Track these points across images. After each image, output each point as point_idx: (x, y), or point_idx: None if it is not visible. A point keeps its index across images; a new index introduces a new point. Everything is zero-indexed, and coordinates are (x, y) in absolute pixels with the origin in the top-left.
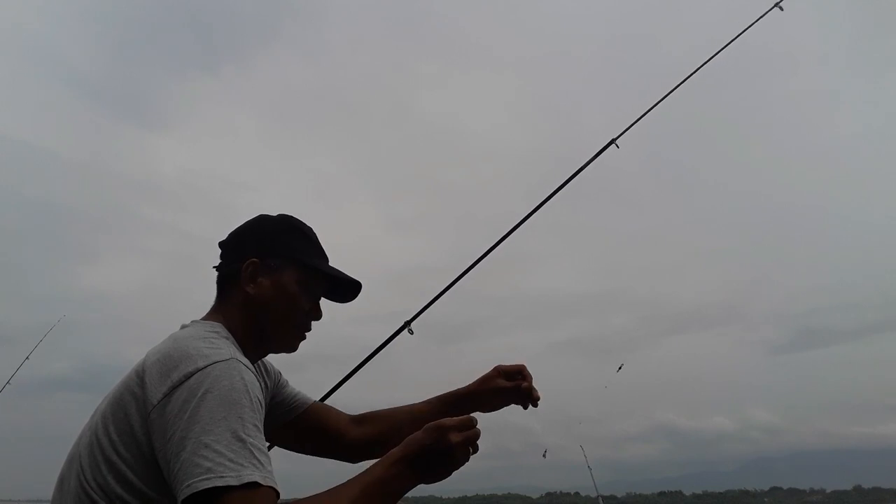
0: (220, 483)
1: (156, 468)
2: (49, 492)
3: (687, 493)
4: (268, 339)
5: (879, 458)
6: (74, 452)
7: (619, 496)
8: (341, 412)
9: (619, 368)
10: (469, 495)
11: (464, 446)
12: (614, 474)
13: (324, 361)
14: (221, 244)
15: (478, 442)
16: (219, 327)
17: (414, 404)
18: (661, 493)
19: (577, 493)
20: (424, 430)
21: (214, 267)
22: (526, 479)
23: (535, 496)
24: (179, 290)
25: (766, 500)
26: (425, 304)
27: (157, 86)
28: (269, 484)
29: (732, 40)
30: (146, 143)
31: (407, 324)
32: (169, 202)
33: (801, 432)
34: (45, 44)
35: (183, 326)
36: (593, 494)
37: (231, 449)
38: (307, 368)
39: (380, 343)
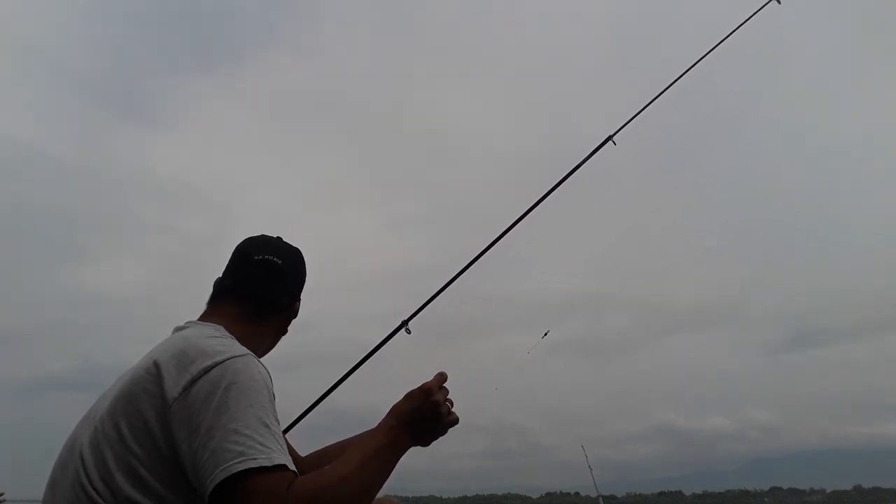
0: (253, 465)
1: (170, 464)
2: None
3: (687, 493)
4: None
5: (879, 458)
6: (69, 456)
7: (619, 496)
8: (296, 453)
9: (545, 335)
10: (469, 495)
11: (446, 404)
12: (614, 474)
13: (320, 362)
14: (270, 264)
15: (478, 447)
16: (221, 329)
17: (357, 435)
18: (661, 493)
19: (577, 493)
20: (408, 397)
21: (241, 279)
22: (526, 479)
23: (535, 496)
24: (177, 291)
25: (766, 500)
26: (422, 303)
27: (155, 86)
28: (293, 468)
29: (730, 34)
30: (144, 143)
31: (404, 323)
32: (166, 203)
33: (800, 432)
34: (40, 43)
35: (177, 328)
36: (593, 494)
37: (259, 433)
38: (304, 368)
39: (377, 343)
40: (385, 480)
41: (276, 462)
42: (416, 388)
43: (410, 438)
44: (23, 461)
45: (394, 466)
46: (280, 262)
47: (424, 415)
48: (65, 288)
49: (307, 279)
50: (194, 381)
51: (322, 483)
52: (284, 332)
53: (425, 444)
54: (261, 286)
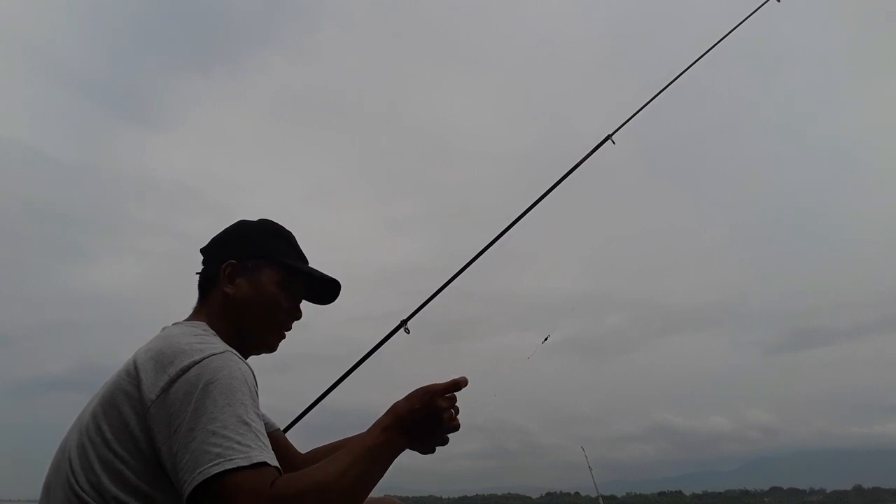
0: (229, 466)
1: (153, 464)
2: None
3: (687, 493)
4: (248, 339)
5: (879, 458)
6: (61, 458)
7: (619, 496)
8: (296, 450)
9: (545, 340)
10: (469, 495)
11: (449, 410)
12: (614, 474)
13: (319, 361)
14: (202, 250)
15: (478, 447)
16: (204, 326)
17: (355, 436)
18: (661, 493)
19: (577, 494)
20: (409, 397)
21: (197, 273)
22: (526, 479)
23: (535, 496)
24: (175, 291)
25: (766, 500)
26: (421, 303)
27: (155, 88)
28: (275, 464)
29: (729, 33)
30: (143, 144)
31: (403, 323)
32: (165, 203)
33: (800, 432)
34: (40, 44)
35: (164, 329)
36: (593, 494)
37: (238, 432)
38: (303, 368)
39: (375, 342)
40: (377, 481)
41: (254, 461)
42: (420, 387)
43: (406, 440)
44: (22, 461)
45: (387, 467)
46: (215, 238)
47: (423, 417)
48: (65, 288)
49: (265, 243)
50: (172, 382)
51: (309, 480)
52: (241, 305)
53: (426, 450)
54: (202, 271)
